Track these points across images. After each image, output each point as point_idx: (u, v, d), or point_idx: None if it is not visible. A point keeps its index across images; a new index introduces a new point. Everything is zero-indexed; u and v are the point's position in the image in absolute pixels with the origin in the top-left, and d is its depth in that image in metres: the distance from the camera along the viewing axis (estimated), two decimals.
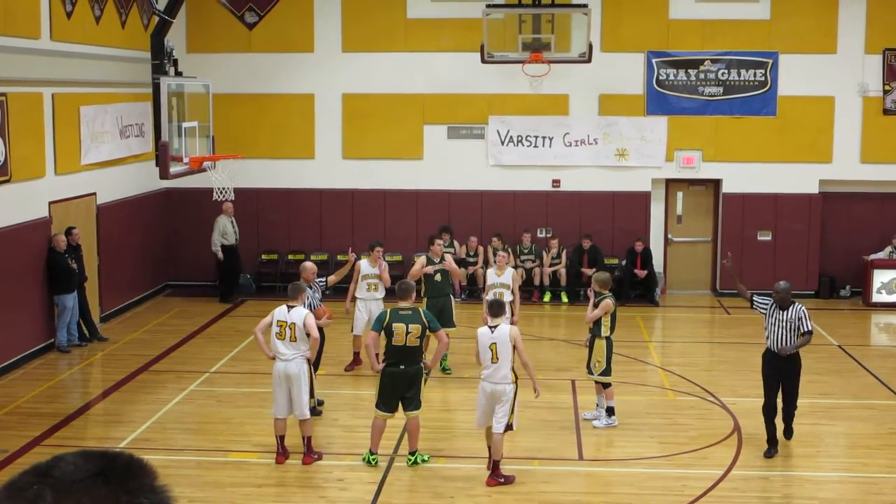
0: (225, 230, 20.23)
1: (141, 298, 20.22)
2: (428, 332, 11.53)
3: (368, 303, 15.04)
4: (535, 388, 11.21)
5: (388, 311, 11.58)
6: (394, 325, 11.31)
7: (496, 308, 11.29)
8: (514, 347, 10.97)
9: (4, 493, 1.53)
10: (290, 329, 11.45)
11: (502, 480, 11.05)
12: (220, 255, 20.19)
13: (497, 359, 10.95)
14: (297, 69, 21.22)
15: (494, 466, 11.09)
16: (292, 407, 11.56)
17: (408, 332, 11.26)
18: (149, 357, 16.29)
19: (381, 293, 15.16)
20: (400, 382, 11.36)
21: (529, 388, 11.32)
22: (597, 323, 12.85)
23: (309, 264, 13.84)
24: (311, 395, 11.65)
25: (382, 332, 11.46)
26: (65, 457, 1.56)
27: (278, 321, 11.54)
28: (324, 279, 14.18)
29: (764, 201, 21.00)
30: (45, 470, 1.54)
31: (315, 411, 12.63)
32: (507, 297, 14.42)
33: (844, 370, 15.88)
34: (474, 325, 16.53)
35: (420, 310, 11.61)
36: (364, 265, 15.23)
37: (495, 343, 10.96)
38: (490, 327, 11.12)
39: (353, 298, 15.25)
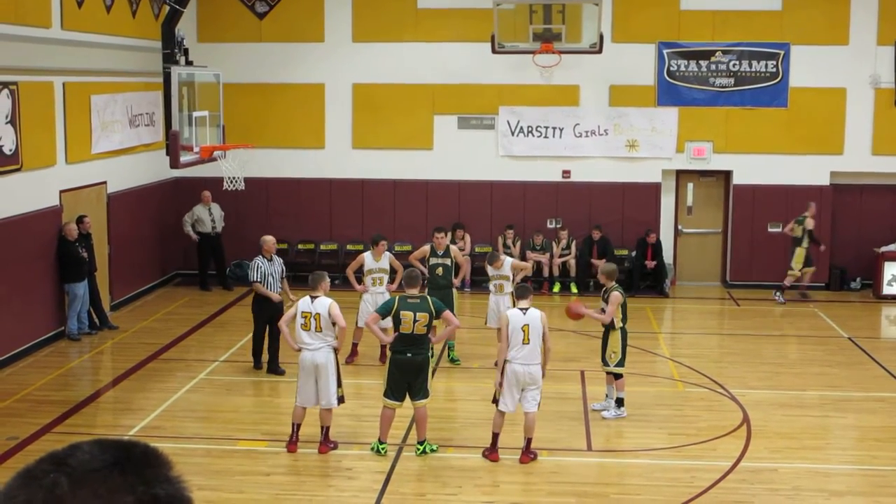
0: (199, 218, 20.31)
1: (151, 287, 20.26)
2: (435, 321, 11.58)
3: (374, 296, 15.00)
4: (543, 372, 11.43)
5: (397, 298, 11.60)
6: (402, 313, 11.34)
7: (523, 291, 11.61)
8: (543, 332, 11.24)
9: (20, 480, 1.53)
10: (315, 319, 11.46)
11: (533, 456, 11.41)
12: (191, 232, 20.31)
13: (528, 340, 11.17)
14: (308, 59, 21.21)
15: (528, 443, 11.39)
16: (318, 397, 11.57)
17: (415, 321, 11.29)
18: (158, 345, 16.33)
19: (384, 287, 15.10)
20: (407, 370, 11.39)
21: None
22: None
23: (269, 237, 14.86)
24: (339, 384, 11.66)
25: (389, 319, 11.57)
26: (81, 445, 1.57)
27: (302, 312, 11.55)
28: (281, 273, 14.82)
29: (775, 193, 20.94)
30: (61, 458, 1.54)
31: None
32: (508, 289, 14.92)
33: (854, 362, 15.84)
34: (480, 314, 16.53)
35: (428, 298, 11.65)
36: (368, 259, 15.19)
37: (528, 325, 11.17)
38: (521, 309, 11.28)
39: (362, 282, 15.25)
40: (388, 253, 15.41)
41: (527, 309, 11.32)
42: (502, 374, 11.33)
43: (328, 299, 11.64)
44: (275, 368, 14.83)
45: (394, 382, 11.46)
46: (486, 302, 15.37)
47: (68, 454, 1.55)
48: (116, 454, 1.55)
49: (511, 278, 14.97)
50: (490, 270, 15.15)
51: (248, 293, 20.28)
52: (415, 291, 11.59)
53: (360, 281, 15.39)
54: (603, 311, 12.90)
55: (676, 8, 20.70)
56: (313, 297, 11.63)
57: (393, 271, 15.19)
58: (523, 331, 11.17)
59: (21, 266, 15.30)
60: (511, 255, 18.08)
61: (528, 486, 10.86)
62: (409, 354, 11.37)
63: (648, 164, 21.07)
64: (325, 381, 11.50)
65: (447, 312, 11.57)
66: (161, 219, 20.56)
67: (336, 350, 11.65)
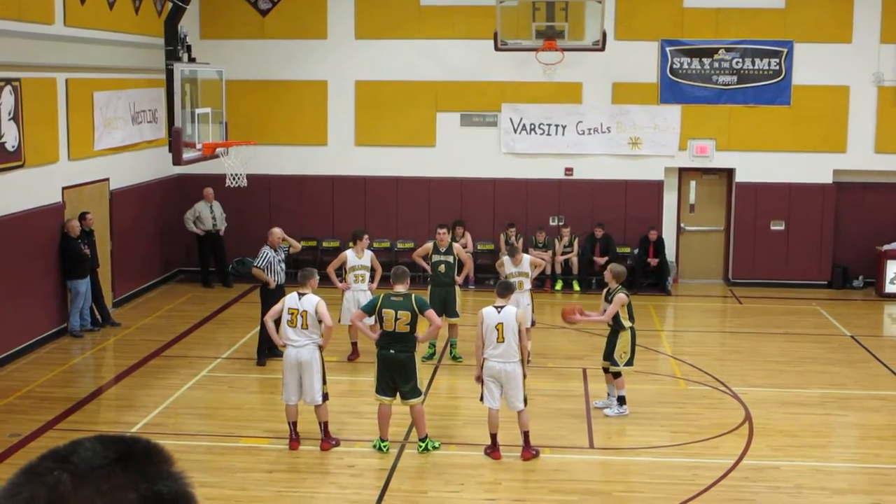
0: (200, 215, 20.31)
1: (153, 284, 20.27)
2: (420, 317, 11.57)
3: (356, 293, 14.99)
4: (523, 371, 11.41)
5: (381, 295, 11.62)
6: (384, 311, 11.36)
7: (502, 289, 11.57)
8: (519, 329, 11.19)
9: (23, 477, 1.53)
10: (302, 317, 11.47)
11: (535, 452, 11.41)
12: (194, 228, 20.32)
13: (503, 339, 11.16)
14: (311, 56, 21.21)
15: (525, 439, 11.39)
16: (303, 393, 11.60)
17: (396, 319, 11.29)
18: (161, 342, 16.34)
19: (366, 284, 15.10)
20: (391, 366, 11.41)
21: (540, 374, 11.46)
22: (615, 318, 12.82)
23: (276, 229, 15.13)
24: (324, 381, 11.67)
25: (374, 317, 11.60)
26: (83, 442, 1.56)
27: (289, 309, 11.56)
28: (287, 247, 15.40)
29: (777, 191, 20.93)
30: (63, 455, 1.53)
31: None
32: (527, 285, 14.96)
33: (857, 361, 15.83)
34: None
35: (412, 296, 11.53)
36: (350, 256, 15.19)
37: (502, 323, 11.15)
38: (496, 307, 11.26)
39: (344, 279, 15.25)
40: (369, 251, 15.41)
41: (502, 307, 11.30)
42: (481, 369, 11.38)
43: (316, 297, 11.65)
44: (275, 353, 14.87)
45: (381, 378, 11.50)
46: (490, 299, 15.32)
47: (71, 451, 1.54)
48: (119, 451, 1.55)
49: (529, 275, 14.99)
50: (508, 268, 15.05)
51: (249, 290, 20.31)
52: (401, 288, 11.56)
53: (341, 279, 15.41)
54: (604, 311, 12.88)
55: (679, 5, 20.68)
56: (301, 294, 11.64)
57: (373, 270, 15.21)
58: (497, 329, 11.16)
59: (23, 263, 15.30)
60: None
61: (531, 484, 10.85)
62: (392, 351, 11.38)
63: (651, 161, 21.05)
64: (309, 378, 11.51)
65: (430, 311, 11.56)
66: (163, 216, 20.56)
67: (321, 348, 11.65)
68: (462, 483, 10.78)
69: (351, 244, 15.73)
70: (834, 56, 20.51)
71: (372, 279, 15.25)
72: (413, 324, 11.36)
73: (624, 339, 12.81)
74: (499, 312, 11.25)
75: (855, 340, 17.02)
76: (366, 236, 15.44)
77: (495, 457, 11.35)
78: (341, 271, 15.48)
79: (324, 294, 12.11)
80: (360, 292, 14.95)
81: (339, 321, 15.13)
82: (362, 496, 10.45)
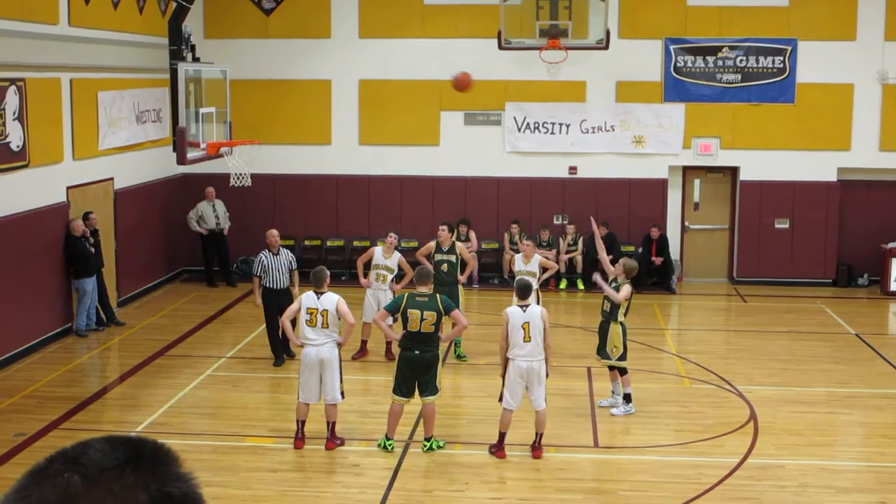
0: (203, 214, 20.31)
1: (158, 283, 20.28)
2: (445, 318, 11.56)
3: (377, 292, 14.99)
4: (546, 370, 11.37)
5: (406, 295, 11.59)
6: (409, 311, 11.33)
7: (523, 290, 11.52)
8: (544, 328, 11.21)
9: (32, 479, 1.53)
10: (322, 316, 11.44)
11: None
12: (197, 227, 20.30)
13: (529, 338, 11.15)
14: (315, 55, 21.21)
15: (539, 439, 11.41)
16: (322, 392, 11.58)
17: (422, 319, 11.27)
18: (165, 342, 16.35)
19: (388, 285, 15.06)
20: (415, 367, 11.39)
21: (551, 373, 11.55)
22: (613, 307, 12.81)
23: (271, 231, 15.02)
24: (341, 379, 11.66)
25: (398, 316, 11.57)
26: (91, 444, 1.56)
27: (308, 308, 11.51)
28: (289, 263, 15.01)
29: (782, 189, 20.91)
30: (73, 457, 1.53)
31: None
32: (534, 285, 14.68)
33: (861, 359, 15.82)
34: (486, 311, 16.56)
35: (437, 296, 11.58)
36: (377, 254, 15.16)
37: (528, 322, 11.15)
38: (521, 307, 11.26)
39: (367, 275, 15.22)
40: (398, 253, 15.35)
41: (527, 306, 11.31)
42: (505, 369, 11.35)
43: (335, 295, 11.62)
44: (288, 352, 14.98)
45: (402, 379, 11.46)
46: (493, 298, 15.34)
47: (79, 452, 1.54)
48: (128, 452, 1.55)
49: (538, 275, 14.90)
50: (517, 265, 15.01)
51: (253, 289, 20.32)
52: (425, 289, 11.57)
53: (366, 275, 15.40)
54: (616, 288, 12.77)
55: (683, 4, 20.66)
56: (319, 294, 11.60)
57: (401, 271, 15.15)
58: (523, 328, 11.17)
59: (28, 262, 15.32)
60: (517, 252, 18.01)
61: (536, 483, 10.86)
62: (417, 352, 11.36)
63: (655, 160, 21.04)
64: (329, 376, 11.50)
65: (456, 311, 11.56)
66: (168, 215, 20.57)
67: (340, 345, 11.65)
68: (467, 482, 10.78)
69: (381, 242, 15.67)
70: (838, 54, 20.49)
71: (396, 280, 15.21)
72: (438, 324, 11.36)
73: (615, 333, 12.77)
74: (524, 311, 11.25)
75: (860, 339, 17.00)
76: (392, 235, 15.38)
77: (500, 456, 11.35)
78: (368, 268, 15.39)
79: (347, 292, 12.06)
80: (380, 291, 14.92)
81: (362, 318, 15.12)
82: (367, 495, 10.46)
